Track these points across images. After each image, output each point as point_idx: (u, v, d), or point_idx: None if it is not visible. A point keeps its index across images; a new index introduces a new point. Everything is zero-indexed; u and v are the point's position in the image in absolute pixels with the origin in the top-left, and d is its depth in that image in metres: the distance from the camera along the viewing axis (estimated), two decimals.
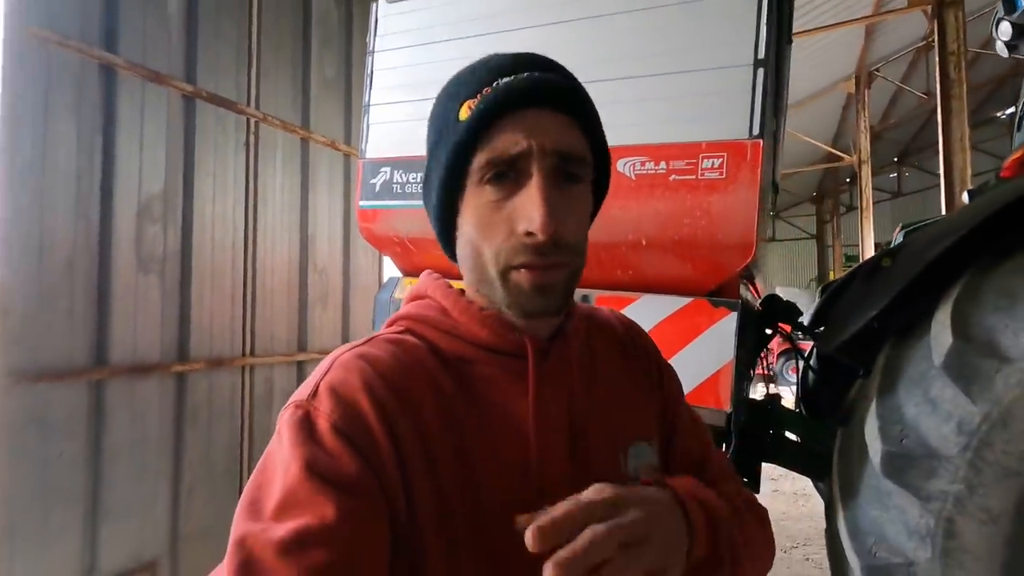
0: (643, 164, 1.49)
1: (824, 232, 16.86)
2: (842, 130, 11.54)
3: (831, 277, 14.80)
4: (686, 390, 1.55)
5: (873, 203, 9.69)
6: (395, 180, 1.87)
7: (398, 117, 1.90)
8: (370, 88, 1.95)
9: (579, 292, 1.72)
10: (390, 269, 3.06)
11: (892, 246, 1.89)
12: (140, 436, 2.31)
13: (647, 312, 1.62)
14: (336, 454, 0.48)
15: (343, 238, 3.41)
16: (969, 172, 4.33)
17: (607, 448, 0.61)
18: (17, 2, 1.93)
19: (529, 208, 0.50)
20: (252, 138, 2.83)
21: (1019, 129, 2.52)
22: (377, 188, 1.91)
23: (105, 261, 2.22)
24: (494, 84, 0.52)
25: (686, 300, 1.58)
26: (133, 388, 2.29)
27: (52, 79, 2.04)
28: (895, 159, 17.01)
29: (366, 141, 1.95)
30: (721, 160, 1.40)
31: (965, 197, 2.29)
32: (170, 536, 2.44)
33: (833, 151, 10.23)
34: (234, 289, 2.73)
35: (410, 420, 0.52)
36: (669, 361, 1.54)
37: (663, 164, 1.47)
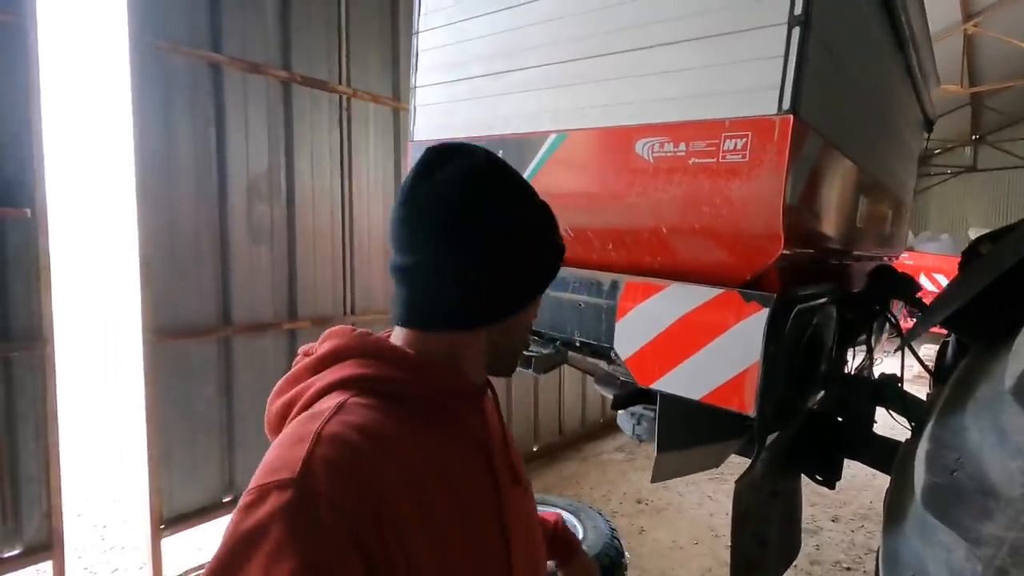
0: (661, 146, 1.35)
1: None
2: None
3: None
4: (708, 389, 1.47)
5: None
6: None
7: (443, 99, 1.92)
8: (416, 70, 1.98)
9: (609, 277, 1.66)
10: None
11: (1006, 226, 1.50)
12: (261, 382, 2.76)
13: (674, 302, 1.52)
14: (336, 552, 0.47)
15: None
16: None
17: (520, 467, 0.77)
18: (138, 19, 2.26)
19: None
20: (345, 114, 3.04)
21: None
22: None
23: (224, 235, 2.61)
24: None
25: (716, 291, 1.45)
26: (253, 343, 2.72)
27: (170, 82, 2.39)
28: None
29: (414, 123, 2.01)
30: (745, 140, 1.23)
31: None
32: None
33: None
34: (334, 256, 3.05)
35: (410, 486, 0.55)
36: (692, 358, 1.51)
37: (682, 146, 1.32)
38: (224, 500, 2.67)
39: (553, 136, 1.57)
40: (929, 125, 3.28)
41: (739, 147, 1.23)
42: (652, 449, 1.63)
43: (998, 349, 1.21)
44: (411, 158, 2.03)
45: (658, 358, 1.53)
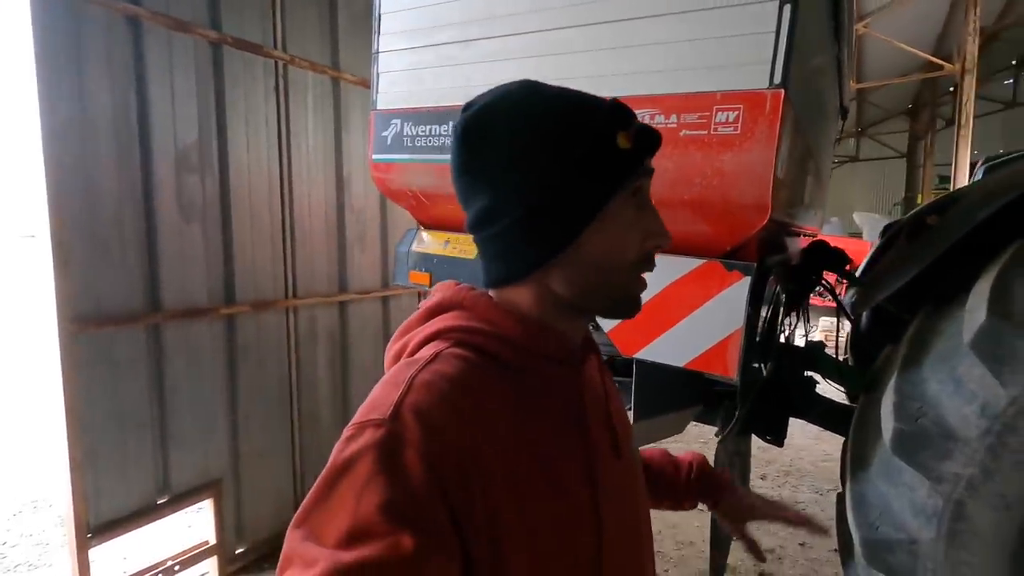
0: (652, 118, 1.37)
1: (916, 150, 15.21)
2: (948, 31, 10.05)
3: (920, 201, 13.49)
4: (693, 355, 1.52)
5: (977, 116, 8.57)
6: (406, 133, 1.83)
7: (407, 66, 1.83)
8: (378, 33, 1.87)
9: None
10: None
11: (940, 199, 1.68)
12: (197, 372, 2.54)
13: (658, 272, 1.55)
14: (421, 494, 0.48)
15: None
16: None
17: (625, 438, 0.72)
18: None
19: (657, 226, 0.63)
20: (281, 81, 2.82)
21: None
22: (389, 141, 1.88)
23: (150, 211, 2.35)
24: (632, 122, 0.60)
25: (699, 262, 1.50)
26: (187, 330, 2.49)
27: (82, 36, 2.09)
28: (1013, 62, 14.77)
29: (376, 91, 1.91)
30: (737, 113, 1.27)
31: (979, 171, 1.98)
32: (231, 457, 2.73)
33: (932, 58, 8.97)
34: (273, 233, 2.84)
35: (496, 443, 0.54)
36: (676, 327, 1.51)
37: (674, 117, 1.35)
38: (159, 503, 2.44)
39: None
40: (844, 113, 3.57)
41: (731, 120, 1.27)
42: None
43: (950, 310, 1.35)
44: (374, 127, 1.93)
45: (641, 328, 1.57)
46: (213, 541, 2.64)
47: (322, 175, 3.10)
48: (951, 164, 8.29)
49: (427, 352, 0.59)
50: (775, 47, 1.22)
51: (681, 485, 0.96)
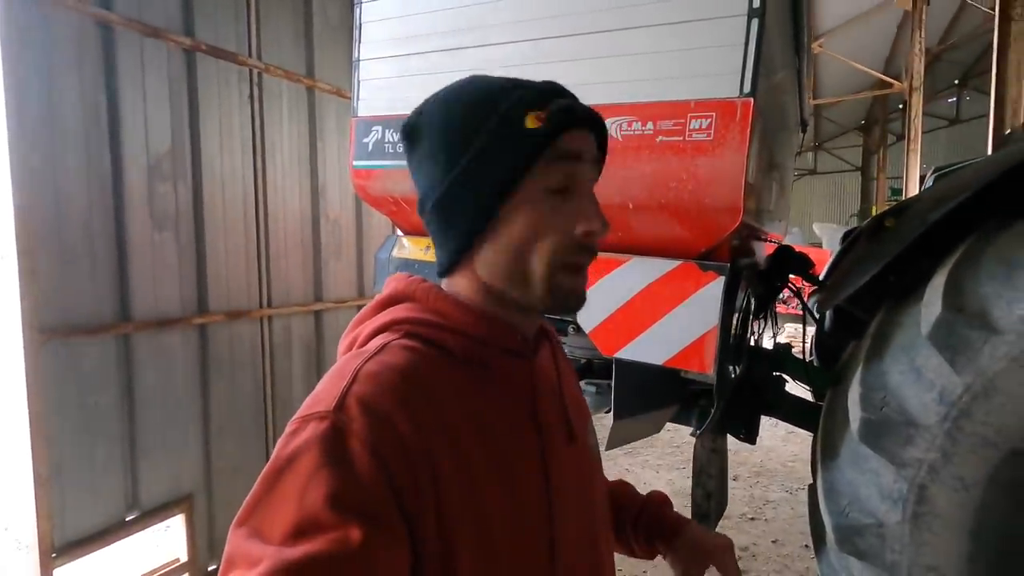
0: (630, 124, 1.43)
1: (870, 163, 15.94)
2: (897, 52, 10.62)
3: (873, 212, 14.11)
4: (672, 353, 1.58)
5: (925, 132, 9.05)
6: (387, 139, 1.85)
7: (389, 73, 1.86)
8: (359, 42, 1.89)
9: None
10: None
11: (897, 204, 1.79)
12: (169, 383, 2.48)
13: (637, 274, 1.61)
14: (369, 483, 0.47)
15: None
16: (1023, 102, 3.97)
17: (582, 428, 0.71)
18: None
19: (589, 213, 0.58)
20: (256, 90, 2.81)
21: None
22: (370, 147, 1.90)
23: (120, 220, 2.30)
24: (553, 102, 0.58)
25: (675, 263, 1.56)
26: (158, 340, 2.43)
27: (52, 39, 2.05)
28: (955, 82, 15.67)
29: (357, 98, 1.92)
30: (710, 120, 1.34)
31: (929, 180, 2.13)
32: (204, 472, 2.66)
33: (882, 77, 9.45)
34: (247, 243, 2.81)
35: (445, 433, 0.53)
36: (654, 326, 1.55)
37: (650, 124, 1.41)
38: (128, 519, 2.36)
39: None
40: (804, 126, 3.74)
41: (704, 126, 1.34)
42: None
43: (908, 306, 1.44)
44: (355, 135, 1.94)
45: (621, 328, 1.61)
46: (185, 558, 2.56)
47: (297, 184, 3.09)
48: (902, 176, 8.72)
49: (375, 344, 0.58)
50: (744, 58, 1.29)
51: (628, 524, 0.86)
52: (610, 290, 1.63)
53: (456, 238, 0.61)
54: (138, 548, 2.86)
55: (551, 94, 0.59)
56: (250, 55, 2.78)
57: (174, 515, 2.52)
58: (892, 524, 1.31)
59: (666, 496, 0.90)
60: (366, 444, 0.48)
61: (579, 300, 0.62)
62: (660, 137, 1.40)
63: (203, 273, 2.62)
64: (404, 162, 1.94)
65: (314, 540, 0.43)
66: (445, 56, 1.71)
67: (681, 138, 1.37)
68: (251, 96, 2.79)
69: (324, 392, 0.52)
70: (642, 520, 0.86)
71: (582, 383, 2.19)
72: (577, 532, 0.65)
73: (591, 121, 0.61)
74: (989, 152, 4.04)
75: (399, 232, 2.12)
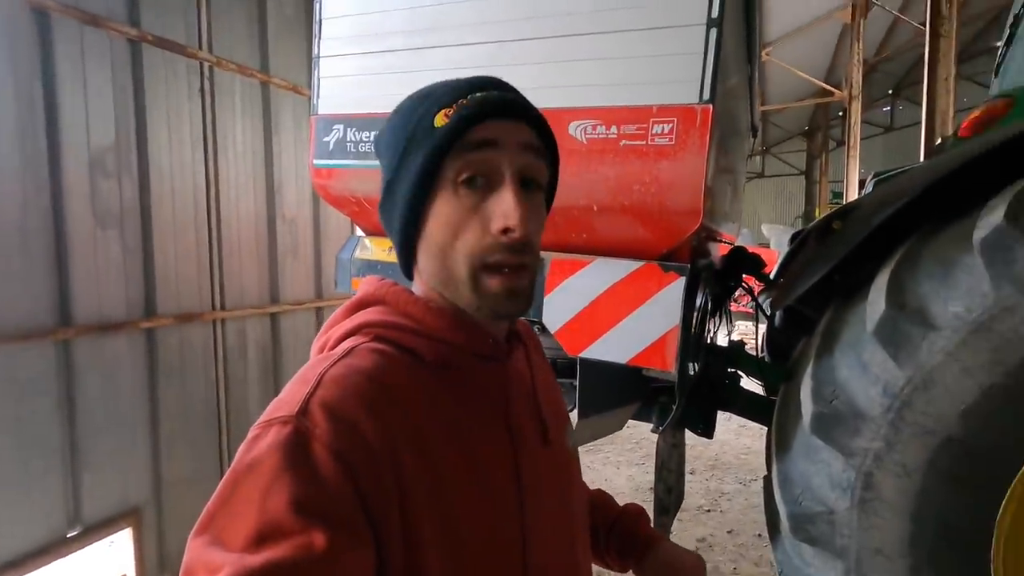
0: (594, 128, 1.46)
1: (813, 168, 16.71)
2: (837, 63, 11.18)
3: (817, 214, 14.82)
4: (635, 351, 1.61)
5: (863, 138, 9.57)
6: (348, 138, 1.81)
7: (351, 71, 1.82)
8: (319, 38, 1.85)
9: None
10: None
11: (843, 206, 1.89)
12: (114, 391, 2.36)
13: (601, 275, 1.64)
14: (332, 487, 0.46)
15: (312, 187, 3.35)
16: (951, 113, 4.26)
17: (558, 431, 0.70)
18: None
19: (506, 208, 0.54)
20: (207, 83, 2.70)
21: (997, 75, 2.46)
22: (331, 146, 1.86)
23: (59, 219, 2.17)
24: (468, 97, 0.56)
25: (638, 264, 1.60)
26: (102, 345, 2.31)
27: None
28: (889, 92, 16.63)
29: (317, 96, 1.88)
30: (671, 125, 1.38)
31: (869, 185, 2.27)
32: (153, 483, 2.55)
33: (824, 86, 9.94)
34: (199, 242, 2.70)
35: (410, 436, 0.52)
36: (618, 325, 1.56)
37: (614, 129, 1.44)
38: (68, 536, 2.23)
39: None
40: (755, 131, 3.89)
41: (666, 131, 1.38)
42: None
43: (855, 304, 1.52)
44: (315, 133, 1.89)
45: (586, 328, 1.64)
46: (132, 574, 2.44)
47: (252, 182, 2.99)
48: (843, 180, 9.20)
49: (343, 347, 0.57)
50: (704, 66, 1.33)
51: (601, 534, 0.85)
52: (575, 291, 1.65)
53: (395, 238, 0.62)
54: (81, 566, 2.70)
55: (468, 90, 0.57)
56: (200, 47, 2.67)
57: (120, 529, 2.40)
58: (842, 511, 1.38)
59: (642, 509, 0.88)
60: (329, 448, 0.47)
61: (512, 304, 0.57)
62: (624, 141, 1.43)
63: (151, 274, 2.50)
64: (367, 162, 1.91)
65: (277, 546, 0.42)
66: (409, 55, 1.69)
67: (644, 142, 1.41)
68: (202, 90, 2.69)
69: (288, 397, 0.51)
70: (615, 532, 0.85)
71: None
72: (551, 534, 0.64)
73: (510, 110, 0.57)
74: (922, 159, 4.33)
75: (360, 233, 2.08)
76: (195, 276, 2.69)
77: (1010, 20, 2.27)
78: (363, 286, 0.65)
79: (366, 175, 1.81)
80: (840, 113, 15.12)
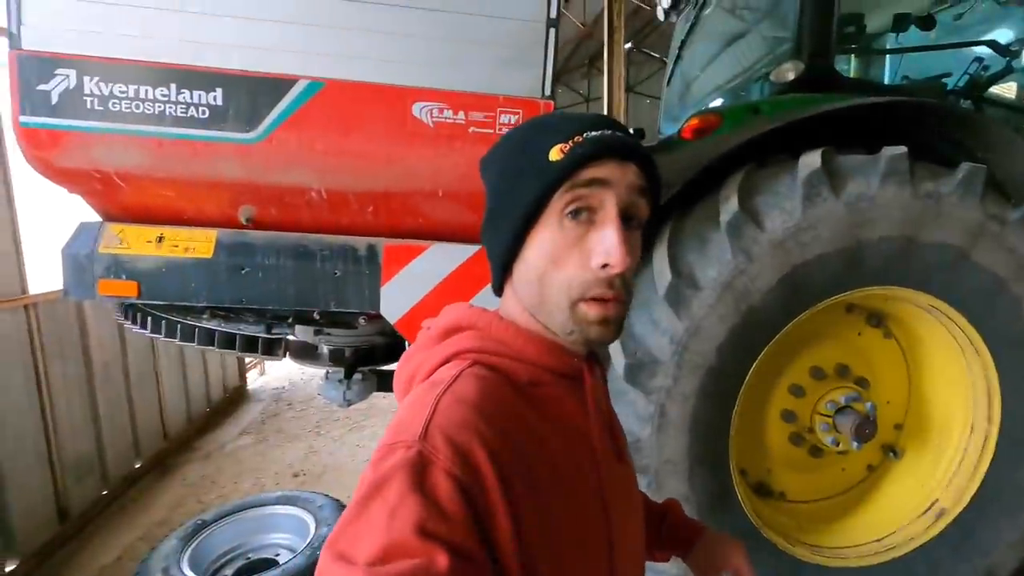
0: (441, 112, 1.41)
1: None
2: None
3: None
4: None
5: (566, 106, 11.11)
6: (91, 91, 1.31)
7: None
8: None
9: (364, 241, 1.60)
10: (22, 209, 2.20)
11: None
12: None
13: (439, 261, 1.62)
14: (452, 513, 0.49)
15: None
16: (623, 108, 5.41)
17: (625, 446, 0.76)
18: None
19: (608, 245, 0.58)
20: None
21: (668, 84, 3.24)
22: (55, 99, 1.31)
23: None
24: (584, 135, 0.59)
25: (476, 247, 1.64)
26: None
27: None
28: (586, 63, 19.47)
29: (20, 21, 1.29)
30: (518, 117, 1.44)
31: None
32: None
33: None
34: None
35: (515, 458, 0.56)
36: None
37: (462, 114, 1.42)
38: None
39: (305, 83, 1.37)
40: None
41: (513, 122, 1.44)
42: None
43: (641, 274, 1.88)
44: (17, 76, 1.30)
45: (428, 313, 1.61)
46: None
47: None
48: None
49: (447, 373, 0.61)
50: (544, 64, 1.43)
51: (653, 531, 0.93)
52: (414, 278, 1.60)
53: (494, 260, 0.67)
54: None
55: (585, 127, 0.60)
56: None
57: None
58: (646, 437, 1.75)
59: (679, 503, 0.97)
60: (450, 474, 0.51)
61: (604, 331, 0.61)
62: (472, 128, 1.43)
63: None
64: (130, 127, 1.47)
65: (402, 563, 0.46)
66: None
67: (492, 130, 1.44)
68: None
69: (407, 421, 0.55)
70: (665, 526, 0.92)
71: (356, 373, 2.09)
72: (629, 542, 0.70)
73: (623, 152, 0.60)
74: None
75: (101, 219, 1.56)
76: None
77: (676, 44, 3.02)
78: (448, 312, 0.70)
79: (126, 143, 1.35)
80: None
